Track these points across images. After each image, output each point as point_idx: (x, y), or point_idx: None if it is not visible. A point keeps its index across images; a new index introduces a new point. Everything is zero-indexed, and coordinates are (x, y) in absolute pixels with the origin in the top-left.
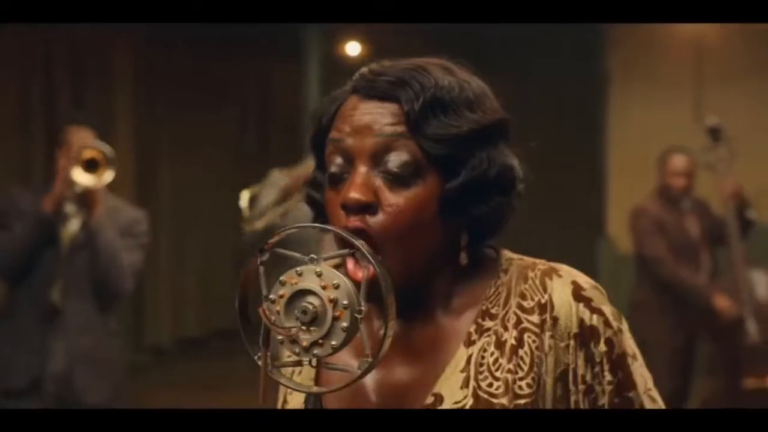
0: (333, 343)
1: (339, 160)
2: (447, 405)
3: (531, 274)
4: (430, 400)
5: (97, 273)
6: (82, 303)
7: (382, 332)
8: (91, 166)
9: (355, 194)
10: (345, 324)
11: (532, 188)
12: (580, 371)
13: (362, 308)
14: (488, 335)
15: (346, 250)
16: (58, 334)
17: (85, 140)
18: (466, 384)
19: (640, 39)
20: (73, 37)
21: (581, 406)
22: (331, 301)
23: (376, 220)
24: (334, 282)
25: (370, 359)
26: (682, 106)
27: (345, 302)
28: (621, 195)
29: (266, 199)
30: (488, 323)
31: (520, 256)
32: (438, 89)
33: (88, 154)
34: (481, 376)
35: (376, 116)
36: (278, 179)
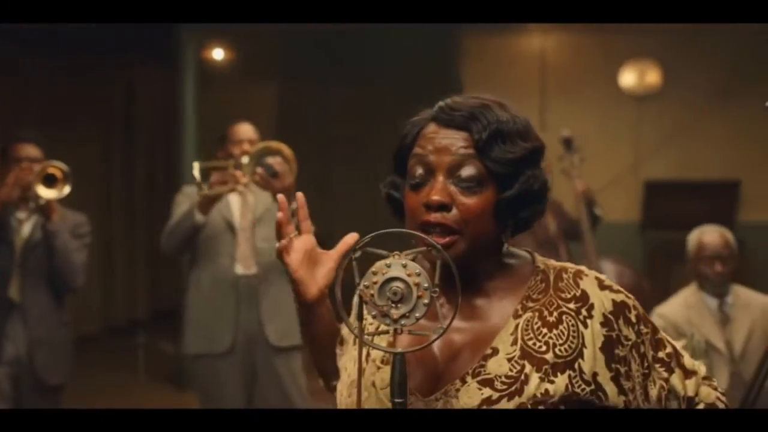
0: (417, 315)
1: (421, 170)
2: (501, 355)
3: (565, 276)
4: (488, 351)
5: (52, 270)
6: (38, 296)
7: (450, 311)
8: (50, 180)
9: (437, 197)
10: (426, 301)
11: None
12: (624, 333)
13: (437, 289)
14: (532, 311)
15: (424, 248)
16: (18, 323)
17: (29, 154)
18: (515, 342)
19: (489, 49)
20: None
21: (629, 358)
22: (415, 284)
23: (451, 215)
24: (416, 271)
25: (443, 326)
26: (527, 115)
27: (426, 285)
28: None
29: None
30: (531, 304)
31: (548, 259)
32: (499, 123)
33: (50, 170)
34: (527, 337)
35: (453, 140)
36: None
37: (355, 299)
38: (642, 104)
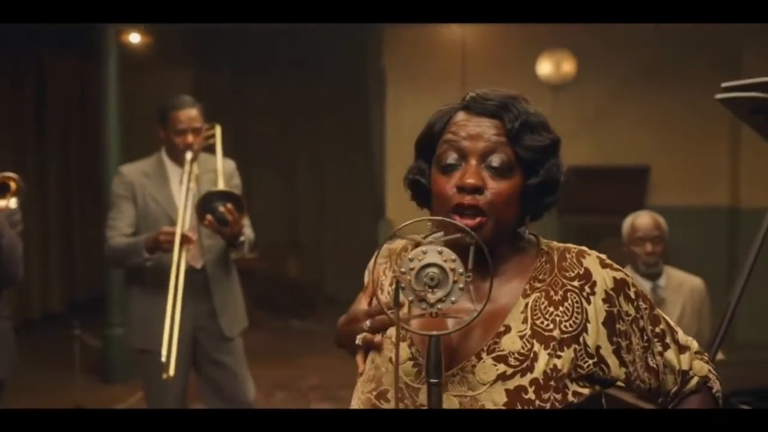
0: (453, 299)
1: (454, 155)
2: (513, 332)
3: (569, 255)
4: (501, 329)
5: None
6: None
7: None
8: (3, 189)
9: (471, 180)
10: (461, 285)
11: (327, 180)
12: (624, 308)
13: (471, 274)
14: (539, 292)
15: (458, 234)
16: None
17: None
18: (525, 321)
19: (411, 41)
20: None
21: (630, 332)
22: (452, 270)
23: (483, 197)
24: (452, 257)
25: (477, 310)
26: (447, 102)
27: (461, 270)
28: (398, 182)
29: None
30: (537, 284)
31: (550, 241)
32: (528, 114)
33: (7, 180)
34: (535, 316)
35: (485, 128)
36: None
37: (389, 285)
38: (558, 92)
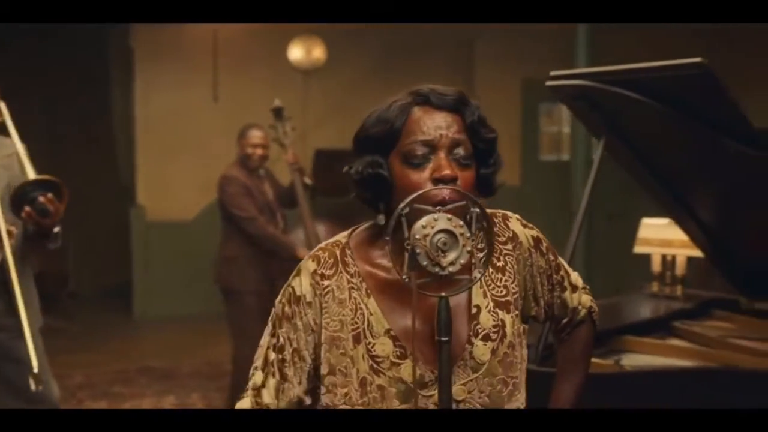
0: (462, 261)
1: (423, 149)
2: (483, 310)
3: (497, 220)
4: (474, 311)
5: None
6: None
7: (482, 255)
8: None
9: (448, 171)
10: (468, 248)
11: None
12: (539, 262)
13: (474, 238)
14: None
15: (463, 201)
16: None
17: None
18: (486, 295)
19: (161, 26)
20: None
21: (540, 281)
22: (461, 234)
23: (456, 187)
24: (460, 223)
25: (481, 270)
26: (200, 89)
27: (468, 234)
28: (148, 168)
29: None
30: (480, 255)
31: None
32: (478, 109)
33: None
34: (490, 287)
35: (449, 122)
36: None
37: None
38: (309, 78)
